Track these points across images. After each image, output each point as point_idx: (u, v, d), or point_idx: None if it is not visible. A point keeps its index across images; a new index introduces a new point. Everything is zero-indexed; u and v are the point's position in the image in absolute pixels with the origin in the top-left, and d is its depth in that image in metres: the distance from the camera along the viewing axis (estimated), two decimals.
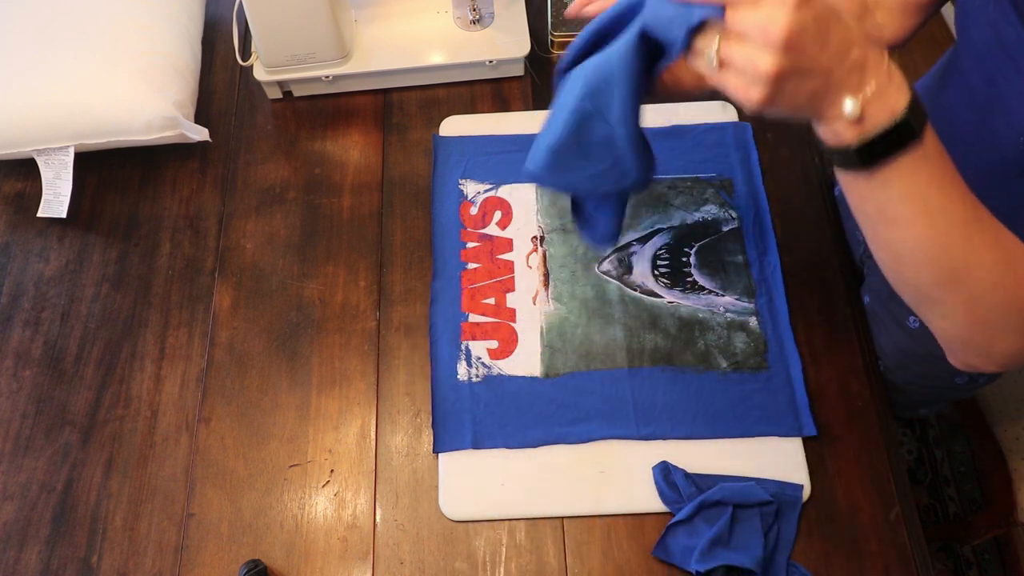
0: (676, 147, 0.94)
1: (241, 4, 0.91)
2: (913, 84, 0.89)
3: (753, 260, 0.87)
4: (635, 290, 0.85)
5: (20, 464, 0.80)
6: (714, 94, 0.59)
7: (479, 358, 0.82)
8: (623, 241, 0.88)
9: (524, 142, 0.94)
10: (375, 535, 0.76)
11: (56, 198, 0.92)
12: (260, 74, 0.97)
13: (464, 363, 0.82)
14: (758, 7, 0.43)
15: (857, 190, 0.50)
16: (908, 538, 0.74)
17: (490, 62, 0.97)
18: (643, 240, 0.88)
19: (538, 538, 0.75)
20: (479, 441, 0.78)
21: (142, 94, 0.90)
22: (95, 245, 0.92)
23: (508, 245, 0.88)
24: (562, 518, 0.76)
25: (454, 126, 0.97)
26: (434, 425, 0.79)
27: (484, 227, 0.90)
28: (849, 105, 0.46)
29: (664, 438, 0.78)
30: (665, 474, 0.75)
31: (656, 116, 0.95)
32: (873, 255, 0.56)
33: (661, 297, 0.85)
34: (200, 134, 0.93)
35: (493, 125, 0.97)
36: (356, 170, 0.95)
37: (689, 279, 0.86)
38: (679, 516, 0.73)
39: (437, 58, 0.98)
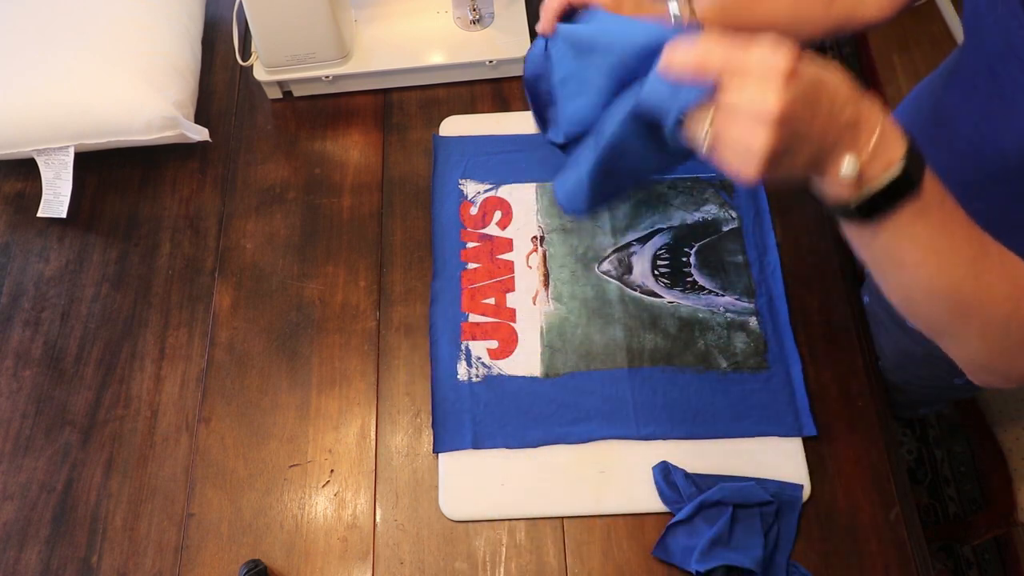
0: None
1: (241, 4, 0.91)
2: (914, 85, 0.89)
3: (753, 260, 0.87)
4: (635, 290, 0.85)
5: (20, 464, 0.80)
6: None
7: (479, 358, 0.82)
8: (623, 241, 0.88)
9: (524, 142, 0.94)
10: (375, 535, 0.76)
11: (56, 198, 0.92)
12: (260, 74, 0.97)
13: (464, 363, 0.82)
14: (747, 85, 0.43)
15: (861, 238, 0.50)
16: (908, 538, 0.74)
17: (490, 62, 0.97)
18: (643, 240, 0.88)
19: (538, 538, 0.75)
20: (479, 441, 0.78)
21: (142, 94, 0.90)
22: (95, 245, 0.92)
23: (508, 245, 0.88)
24: (562, 518, 0.76)
25: (454, 126, 0.97)
26: (434, 425, 0.79)
27: (484, 227, 0.90)
28: (847, 166, 0.45)
29: (664, 438, 0.78)
30: (665, 474, 0.75)
31: None
32: (883, 293, 0.55)
33: (661, 297, 0.85)
34: (200, 134, 0.93)
35: (493, 125, 0.97)
36: (356, 170, 0.95)
37: (689, 279, 0.86)
38: (679, 516, 0.73)
39: (437, 58, 0.98)
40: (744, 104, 0.43)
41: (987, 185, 0.66)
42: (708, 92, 0.44)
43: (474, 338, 0.83)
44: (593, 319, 0.84)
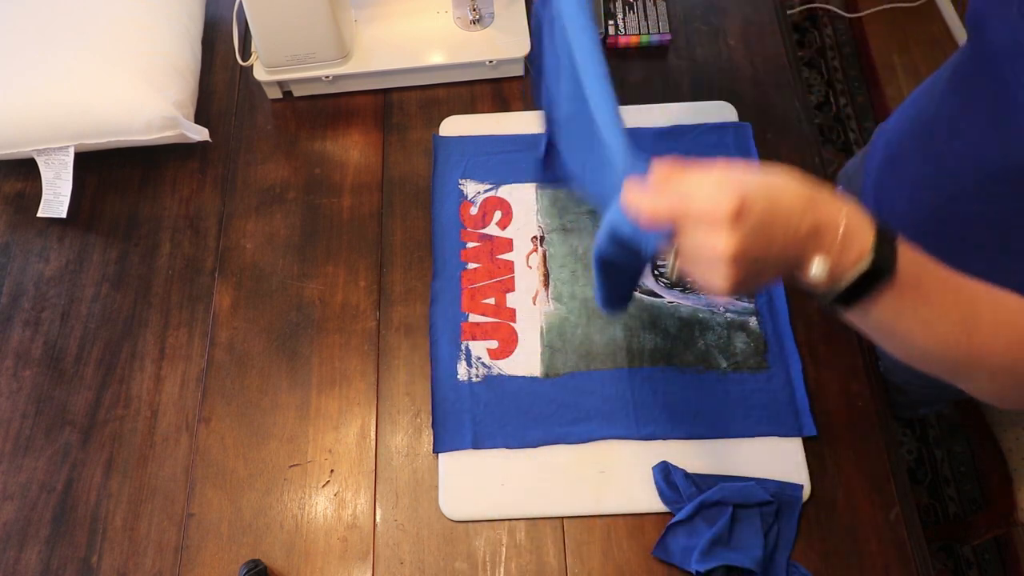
0: (676, 147, 0.94)
1: (241, 4, 0.91)
2: (915, 85, 0.89)
3: None
4: (635, 290, 0.85)
5: (20, 464, 0.80)
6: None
7: (479, 358, 0.82)
8: None
9: (524, 142, 0.94)
10: (375, 535, 0.76)
11: (56, 198, 0.92)
12: (260, 74, 0.97)
13: (464, 363, 0.82)
14: (697, 232, 0.45)
15: (851, 316, 0.51)
16: (908, 538, 0.74)
17: (490, 62, 0.97)
18: None
19: (538, 538, 0.75)
20: (479, 441, 0.78)
21: (142, 94, 0.90)
22: (95, 245, 0.92)
23: (508, 245, 0.88)
24: (562, 518, 0.76)
25: (454, 126, 0.97)
26: (434, 425, 0.79)
27: (484, 227, 0.90)
28: (815, 267, 0.46)
29: (664, 438, 0.78)
30: (665, 474, 0.75)
31: (656, 116, 0.95)
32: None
33: (661, 297, 0.85)
34: (200, 134, 0.93)
35: (493, 125, 0.97)
36: (356, 170, 0.95)
37: (689, 279, 0.86)
38: (679, 516, 0.73)
39: (437, 58, 0.98)
40: (698, 249, 0.46)
41: (987, 185, 0.66)
42: (667, 235, 0.48)
43: (474, 338, 0.83)
44: (593, 319, 0.84)
